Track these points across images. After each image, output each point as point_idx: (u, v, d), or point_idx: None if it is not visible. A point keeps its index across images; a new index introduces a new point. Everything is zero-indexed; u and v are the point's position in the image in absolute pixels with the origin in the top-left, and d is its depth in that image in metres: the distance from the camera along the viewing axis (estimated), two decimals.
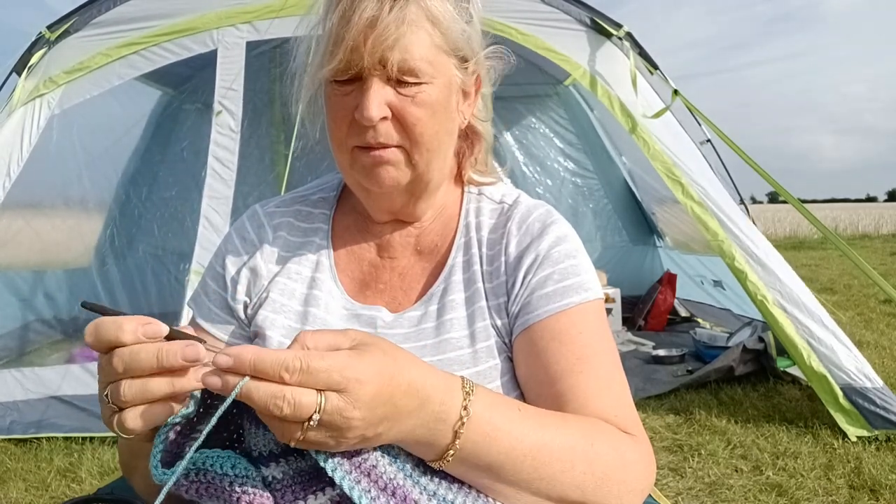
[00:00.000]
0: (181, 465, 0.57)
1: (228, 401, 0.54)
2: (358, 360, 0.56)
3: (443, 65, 0.81)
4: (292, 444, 0.57)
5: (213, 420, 0.55)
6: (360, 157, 0.82)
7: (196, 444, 0.56)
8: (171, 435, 0.61)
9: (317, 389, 0.54)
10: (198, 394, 0.60)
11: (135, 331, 0.56)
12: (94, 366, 3.23)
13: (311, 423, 0.54)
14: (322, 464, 0.59)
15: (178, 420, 0.60)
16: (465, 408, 0.63)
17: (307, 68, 0.84)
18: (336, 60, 0.76)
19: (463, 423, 0.63)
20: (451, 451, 0.63)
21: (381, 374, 0.57)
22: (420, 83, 0.79)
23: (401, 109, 0.79)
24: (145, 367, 0.56)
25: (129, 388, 0.56)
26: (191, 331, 0.60)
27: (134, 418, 0.57)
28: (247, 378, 0.53)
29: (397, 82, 0.78)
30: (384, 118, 0.78)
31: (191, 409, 0.60)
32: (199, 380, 0.55)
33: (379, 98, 0.77)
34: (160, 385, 0.57)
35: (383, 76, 0.77)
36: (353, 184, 0.88)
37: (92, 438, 3.08)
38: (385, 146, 0.80)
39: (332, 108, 0.82)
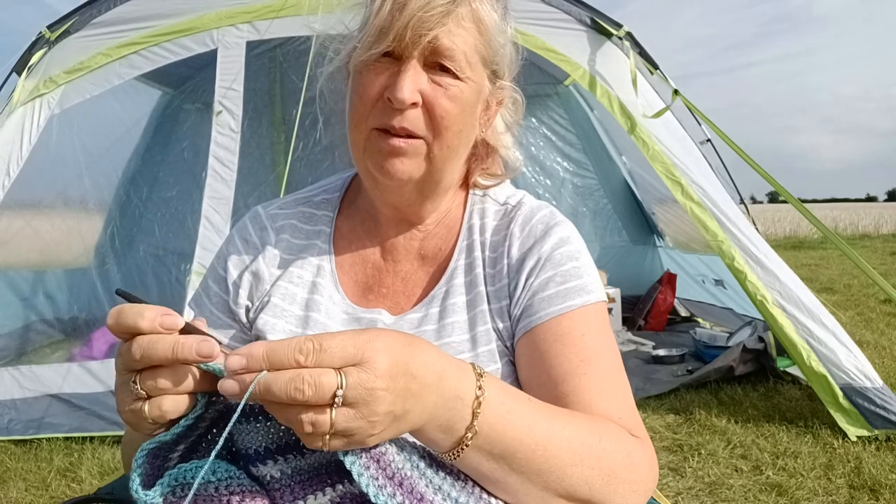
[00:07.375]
0: (171, 476, 0.56)
1: (247, 394, 0.52)
2: (368, 334, 0.56)
3: (478, 71, 0.82)
4: (324, 448, 0.55)
5: (235, 416, 0.54)
6: (376, 141, 0.80)
7: (215, 449, 0.54)
8: (155, 452, 0.59)
9: (335, 369, 0.53)
10: (190, 416, 0.58)
11: (153, 320, 0.57)
12: (93, 365, 3.23)
13: (336, 401, 0.53)
14: None
15: (167, 438, 0.59)
16: (480, 387, 0.62)
17: (346, 48, 0.84)
18: (385, 38, 0.76)
19: (480, 403, 0.62)
20: (470, 434, 0.62)
21: (392, 345, 0.56)
22: (456, 77, 0.79)
23: (432, 99, 0.79)
24: (161, 358, 0.56)
25: (171, 374, 0.57)
26: (204, 326, 0.60)
27: (170, 403, 0.57)
28: (264, 371, 0.52)
29: (435, 68, 0.79)
30: (414, 104, 0.78)
31: (180, 428, 0.58)
32: (219, 387, 0.54)
33: (414, 81, 0.77)
34: (192, 375, 0.58)
35: (422, 60, 0.78)
36: (362, 170, 0.86)
37: (92, 438, 3.08)
38: (409, 134, 0.79)
39: (361, 84, 0.80)
